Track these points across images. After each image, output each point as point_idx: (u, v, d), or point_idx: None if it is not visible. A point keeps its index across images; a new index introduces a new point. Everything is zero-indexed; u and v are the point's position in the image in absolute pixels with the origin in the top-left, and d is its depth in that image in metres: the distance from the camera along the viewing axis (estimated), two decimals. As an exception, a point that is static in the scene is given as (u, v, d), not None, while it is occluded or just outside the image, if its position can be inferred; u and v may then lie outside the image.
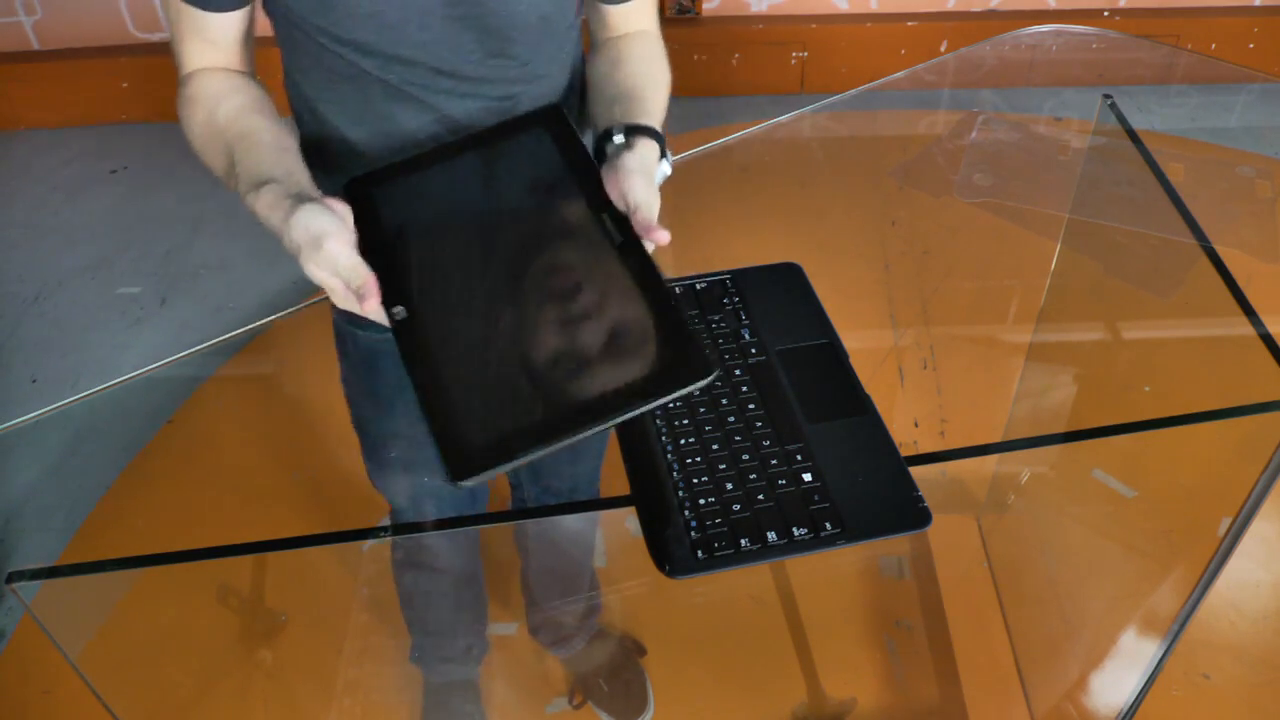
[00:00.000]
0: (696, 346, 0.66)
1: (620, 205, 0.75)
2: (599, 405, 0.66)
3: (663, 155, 0.82)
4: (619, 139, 0.79)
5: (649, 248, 0.73)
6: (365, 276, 0.69)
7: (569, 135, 0.80)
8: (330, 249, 0.69)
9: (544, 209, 0.79)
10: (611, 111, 0.86)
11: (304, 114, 0.90)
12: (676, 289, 0.71)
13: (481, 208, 0.81)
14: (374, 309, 0.70)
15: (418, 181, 0.81)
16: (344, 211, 0.72)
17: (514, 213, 0.80)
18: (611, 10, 0.92)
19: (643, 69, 0.91)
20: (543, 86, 0.89)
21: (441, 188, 0.81)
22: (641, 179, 0.75)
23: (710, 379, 0.65)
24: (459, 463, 0.65)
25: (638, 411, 0.65)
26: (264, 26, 0.86)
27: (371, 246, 0.73)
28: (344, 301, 0.70)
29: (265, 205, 0.73)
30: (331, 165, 0.89)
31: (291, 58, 0.87)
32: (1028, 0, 2.97)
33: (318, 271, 0.69)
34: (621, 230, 0.73)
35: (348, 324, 1.00)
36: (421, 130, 0.86)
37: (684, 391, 0.65)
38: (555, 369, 0.69)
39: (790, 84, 3.03)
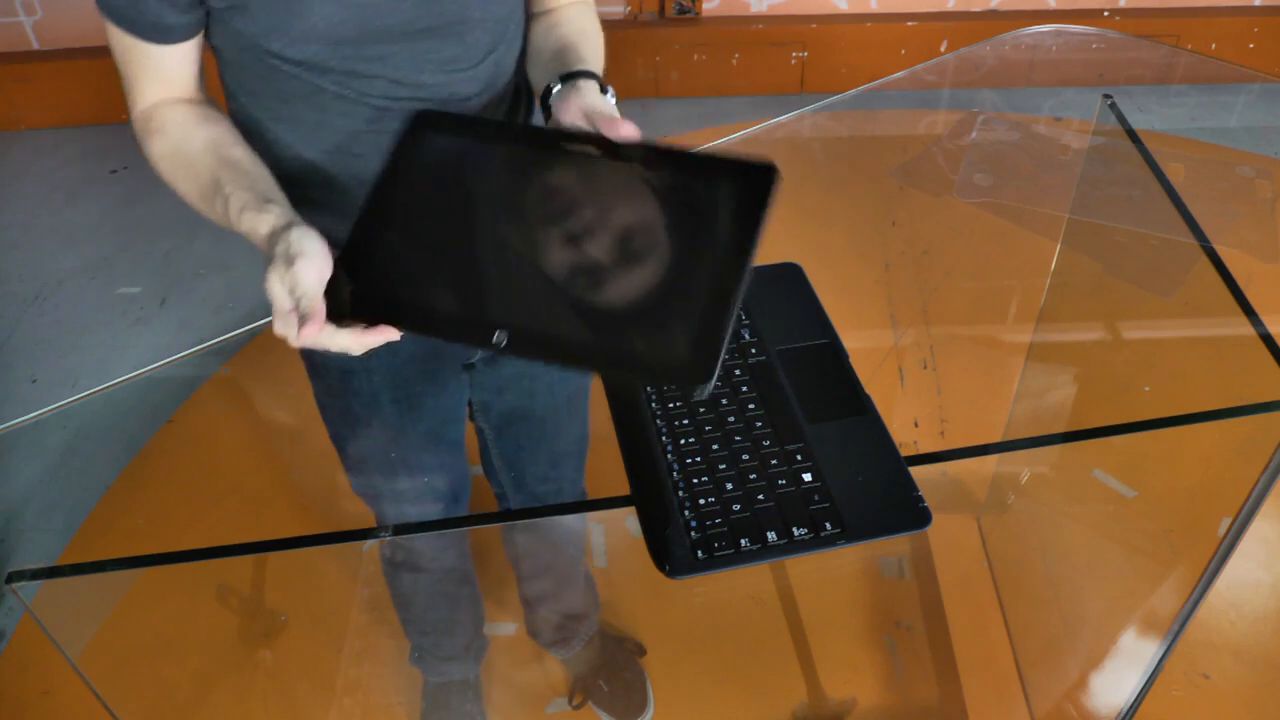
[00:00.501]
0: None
1: (582, 124, 0.75)
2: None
3: (604, 91, 0.82)
4: (557, 88, 0.81)
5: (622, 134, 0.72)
6: (317, 309, 0.69)
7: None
8: (299, 268, 0.69)
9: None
10: (548, 69, 0.86)
11: (252, 136, 0.88)
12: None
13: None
14: (309, 337, 0.69)
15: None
16: (326, 253, 0.73)
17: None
18: None
19: (575, 27, 0.92)
20: (500, 87, 0.90)
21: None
22: (591, 95, 0.77)
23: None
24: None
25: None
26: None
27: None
28: (282, 325, 0.70)
29: (265, 222, 0.74)
30: (283, 184, 0.88)
31: (238, 81, 0.86)
32: (1028, 0, 2.97)
33: (276, 285, 0.70)
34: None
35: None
36: (380, 142, 0.85)
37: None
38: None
39: (790, 84, 3.03)
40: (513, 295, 0.70)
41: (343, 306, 0.70)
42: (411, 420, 1.06)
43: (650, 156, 0.73)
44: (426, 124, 0.76)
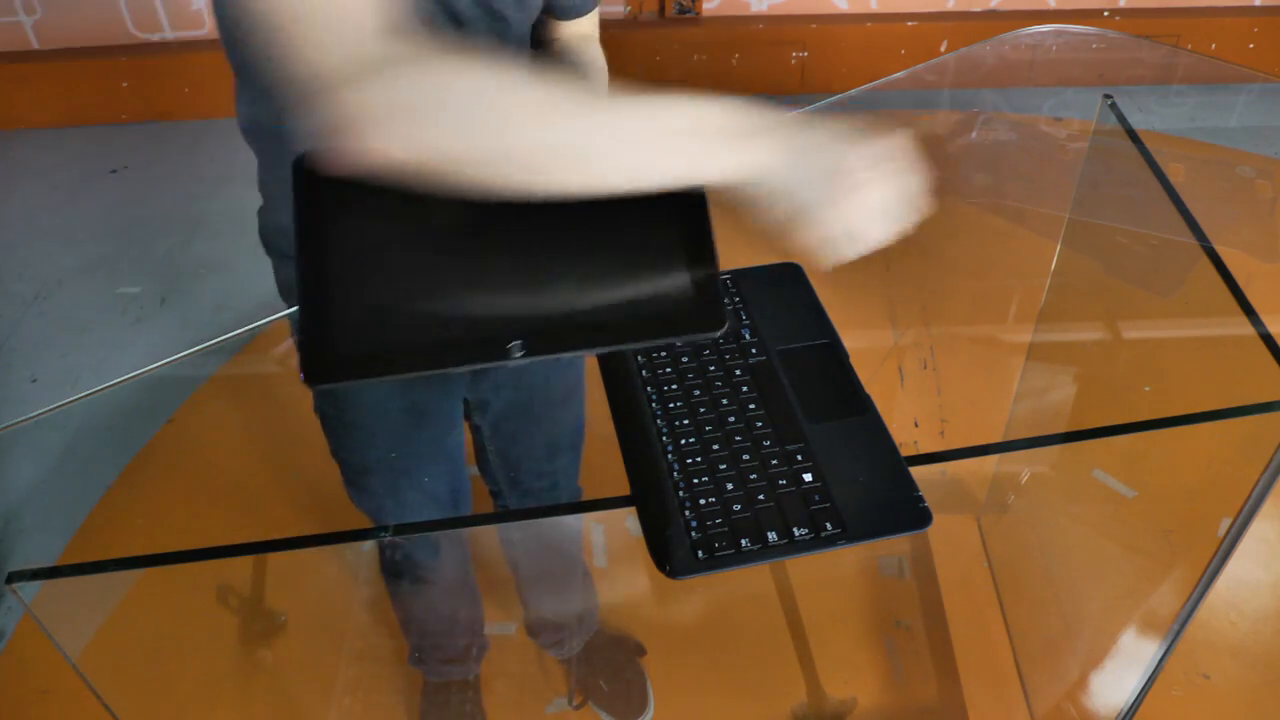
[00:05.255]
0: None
1: None
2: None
3: None
4: None
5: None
6: None
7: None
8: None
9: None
10: None
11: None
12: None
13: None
14: None
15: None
16: None
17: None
18: (562, 24, 0.94)
19: (586, 70, 0.92)
20: None
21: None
22: None
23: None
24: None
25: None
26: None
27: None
28: None
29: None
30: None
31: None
32: (1028, 0, 2.97)
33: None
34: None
35: None
36: None
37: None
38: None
39: (790, 84, 3.03)
40: (508, 303, 0.69)
41: (335, 371, 0.65)
42: (415, 427, 1.06)
43: None
44: (318, 165, 0.70)
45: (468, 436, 1.19)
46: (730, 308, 0.91)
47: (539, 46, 0.96)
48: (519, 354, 0.66)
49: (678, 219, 0.70)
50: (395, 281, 0.69)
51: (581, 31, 0.95)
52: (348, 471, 1.10)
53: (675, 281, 0.68)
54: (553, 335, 0.67)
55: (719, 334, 0.66)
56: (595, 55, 0.94)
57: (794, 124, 0.67)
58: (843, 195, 0.65)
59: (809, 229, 0.67)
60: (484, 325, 0.68)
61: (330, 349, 0.65)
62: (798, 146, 0.65)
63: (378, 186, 0.70)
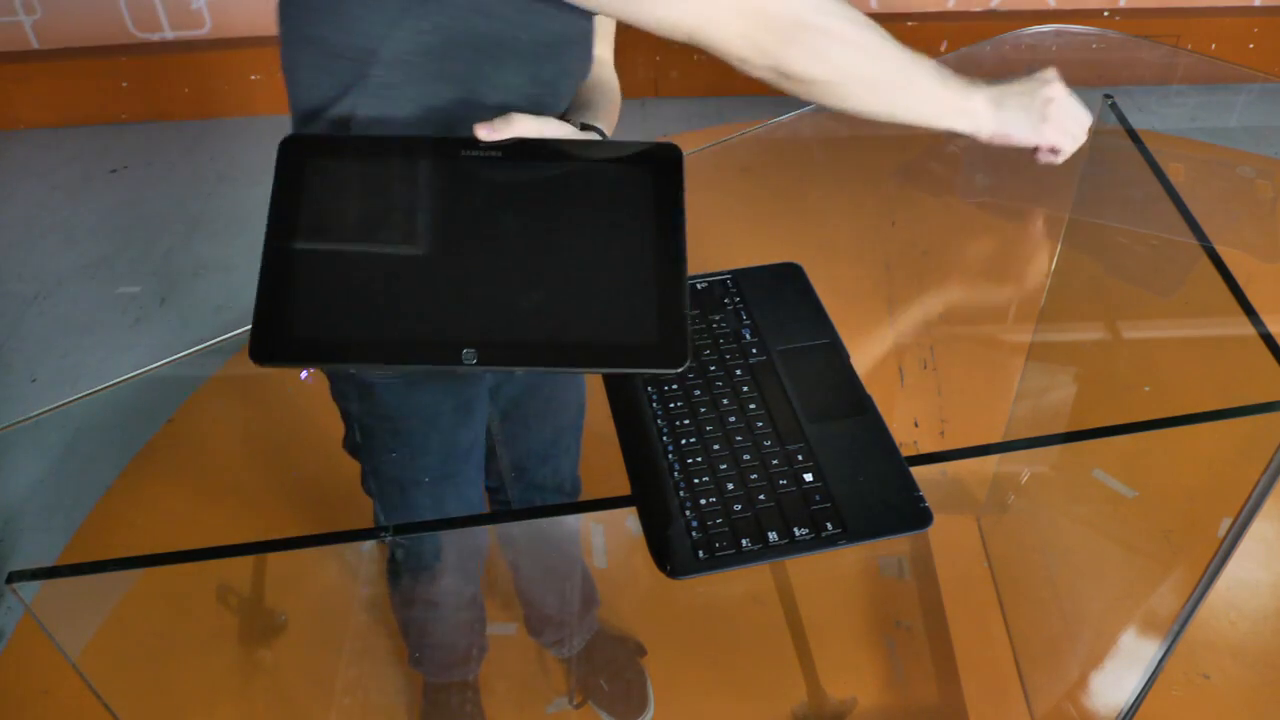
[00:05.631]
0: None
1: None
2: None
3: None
4: None
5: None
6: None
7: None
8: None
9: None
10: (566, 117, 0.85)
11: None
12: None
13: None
14: None
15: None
16: None
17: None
18: None
19: (595, 96, 0.91)
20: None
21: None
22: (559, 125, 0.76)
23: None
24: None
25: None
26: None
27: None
28: None
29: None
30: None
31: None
32: (1028, 0, 2.97)
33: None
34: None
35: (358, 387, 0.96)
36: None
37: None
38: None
39: (790, 84, 3.03)
40: (467, 310, 0.68)
41: (286, 353, 0.66)
42: (462, 426, 1.04)
43: (548, 151, 0.73)
44: (299, 150, 0.72)
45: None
46: (730, 308, 0.91)
47: None
48: (471, 360, 0.65)
49: (654, 244, 0.70)
50: (360, 272, 0.69)
51: (600, 56, 0.94)
52: (389, 487, 1.06)
53: (643, 311, 0.68)
54: (508, 348, 0.67)
55: (679, 370, 0.66)
56: (610, 78, 0.94)
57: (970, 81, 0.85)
58: (1044, 116, 0.88)
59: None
60: (440, 327, 0.67)
61: (283, 330, 0.66)
62: (995, 94, 0.87)
63: (360, 178, 0.70)
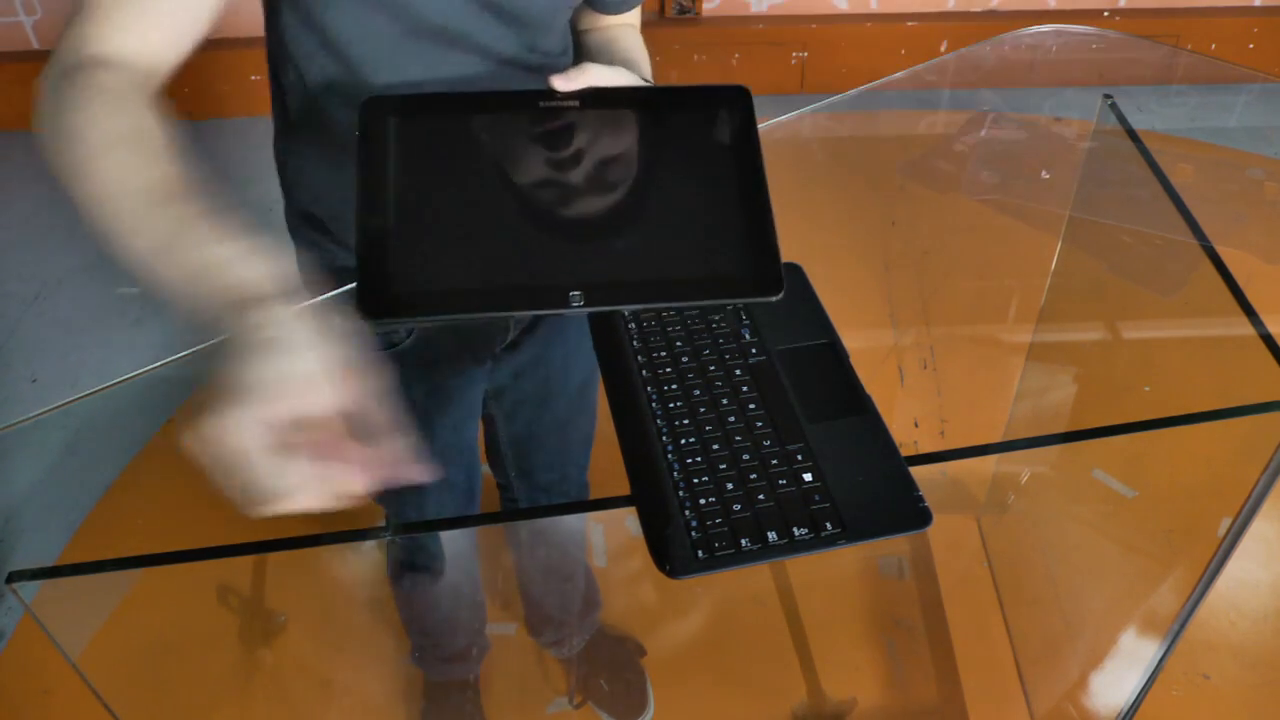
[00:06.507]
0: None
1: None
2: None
3: None
4: None
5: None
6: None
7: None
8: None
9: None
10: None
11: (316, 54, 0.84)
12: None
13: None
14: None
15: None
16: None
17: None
18: (605, 18, 0.94)
19: (635, 55, 0.92)
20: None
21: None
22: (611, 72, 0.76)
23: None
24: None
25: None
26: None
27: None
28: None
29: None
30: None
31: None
32: (1028, 0, 2.97)
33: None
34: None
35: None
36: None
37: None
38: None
39: (790, 84, 3.03)
40: (568, 254, 0.70)
41: (393, 307, 0.66)
42: (438, 412, 1.05)
43: (623, 98, 0.76)
44: (384, 109, 0.74)
45: (479, 430, 1.19)
46: (730, 307, 0.91)
47: (578, 35, 0.96)
48: (578, 303, 0.66)
49: (737, 179, 0.73)
50: (457, 225, 0.71)
51: (625, 22, 0.95)
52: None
53: (736, 245, 0.71)
54: (612, 288, 0.69)
55: (776, 298, 0.69)
56: (636, 42, 0.94)
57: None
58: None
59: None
60: (545, 273, 0.69)
61: (389, 285, 0.67)
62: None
63: (445, 132, 0.73)
